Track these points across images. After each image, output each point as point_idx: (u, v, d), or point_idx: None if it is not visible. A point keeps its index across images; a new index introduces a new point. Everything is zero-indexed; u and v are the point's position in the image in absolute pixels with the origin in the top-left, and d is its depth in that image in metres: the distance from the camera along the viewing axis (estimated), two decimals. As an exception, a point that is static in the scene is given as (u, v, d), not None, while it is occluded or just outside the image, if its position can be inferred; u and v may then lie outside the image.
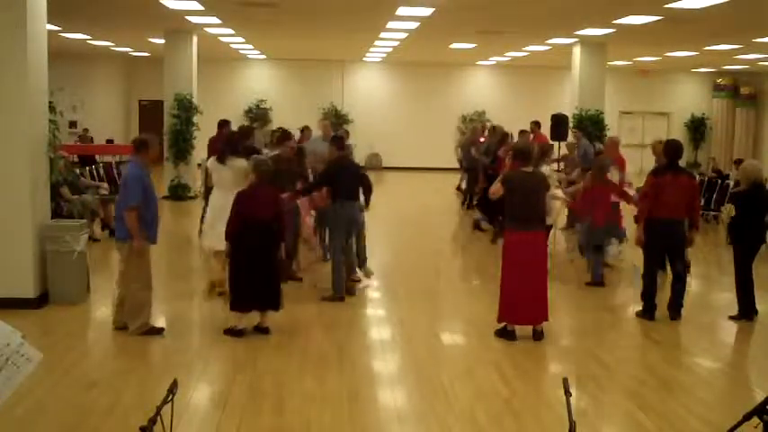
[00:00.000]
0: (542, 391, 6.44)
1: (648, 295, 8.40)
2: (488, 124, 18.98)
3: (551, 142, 14.19)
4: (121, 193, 7.34)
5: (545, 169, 10.42)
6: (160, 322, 8.15)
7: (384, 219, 14.65)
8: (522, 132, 13.74)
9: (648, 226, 8.29)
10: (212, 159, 8.96)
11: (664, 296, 8.55)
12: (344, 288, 8.89)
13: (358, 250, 9.48)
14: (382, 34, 16.13)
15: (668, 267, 8.64)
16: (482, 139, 15.77)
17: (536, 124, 16.06)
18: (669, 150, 8.42)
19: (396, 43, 18.17)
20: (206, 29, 15.95)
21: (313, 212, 10.05)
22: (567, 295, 9.54)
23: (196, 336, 7.71)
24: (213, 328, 7.71)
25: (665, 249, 8.45)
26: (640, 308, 8.46)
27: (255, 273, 7.25)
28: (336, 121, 23.74)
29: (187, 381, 6.09)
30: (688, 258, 9.26)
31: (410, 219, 15.49)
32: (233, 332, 7.38)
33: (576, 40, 16.56)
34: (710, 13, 10.85)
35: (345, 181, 8.84)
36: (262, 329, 7.46)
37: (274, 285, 7.44)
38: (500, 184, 7.47)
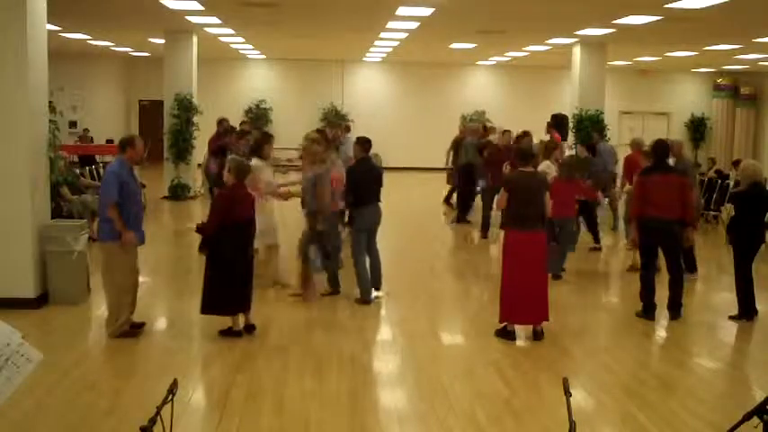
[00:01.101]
0: (542, 391, 6.44)
1: (646, 295, 8.39)
2: (474, 125, 18.81)
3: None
4: (100, 191, 7.30)
5: (546, 165, 10.50)
6: (160, 322, 8.17)
7: (384, 219, 14.64)
8: (504, 132, 13.97)
9: (640, 225, 8.31)
10: (256, 159, 9.05)
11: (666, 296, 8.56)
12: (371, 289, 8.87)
13: (373, 261, 9.10)
14: (382, 34, 16.13)
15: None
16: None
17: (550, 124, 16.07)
18: (656, 150, 8.43)
19: (396, 43, 18.17)
20: (206, 29, 15.95)
21: None
22: (567, 295, 9.54)
23: (196, 336, 7.70)
24: (213, 329, 7.71)
25: (659, 248, 8.43)
26: (640, 308, 8.46)
27: (234, 274, 7.20)
28: (337, 122, 23.76)
29: (187, 381, 6.10)
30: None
31: (410, 219, 15.49)
32: (230, 333, 7.35)
33: (576, 40, 16.55)
34: (710, 13, 10.84)
35: (369, 183, 8.79)
36: (248, 327, 7.46)
37: (249, 287, 7.44)
38: (503, 190, 7.51)
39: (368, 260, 8.95)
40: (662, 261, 8.84)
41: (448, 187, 16.86)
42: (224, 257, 7.18)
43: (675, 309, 8.37)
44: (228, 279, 7.18)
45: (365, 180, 8.74)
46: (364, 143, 8.92)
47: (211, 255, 7.30)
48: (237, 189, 7.38)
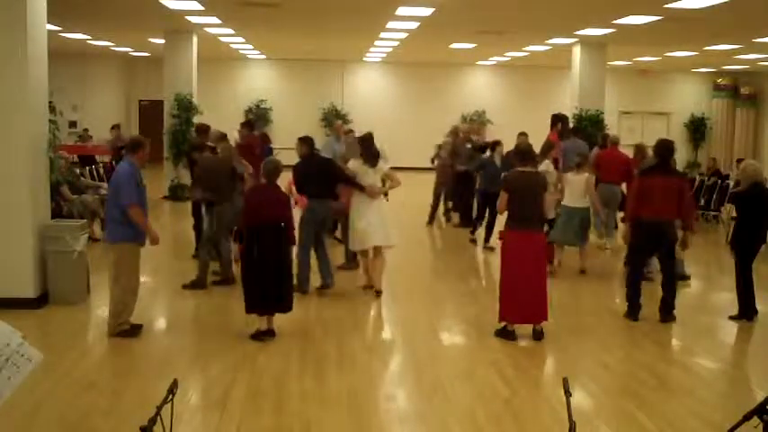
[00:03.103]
0: (542, 391, 6.44)
1: (631, 296, 8.36)
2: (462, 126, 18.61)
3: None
4: (112, 193, 7.25)
5: (545, 164, 10.52)
6: (159, 322, 8.17)
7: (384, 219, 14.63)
8: (521, 135, 13.76)
9: (635, 226, 8.28)
10: (355, 162, 9.13)
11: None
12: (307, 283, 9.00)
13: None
14: (382, 34, 16.13)
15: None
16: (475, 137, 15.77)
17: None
18: (660, 150, 8.37)
19: (396, 43, 18.17)
20: (206, 29, 15.95)
21: None
22: (567, 295, 9.53)
23: (196, 335, 7.70)
24: (213, 328, 7.72)
25: (652, 250, 8.40)
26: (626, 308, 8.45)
27: (267, 274, 7.16)
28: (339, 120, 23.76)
29: (187, 381, 6.09)
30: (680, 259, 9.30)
31: (410, 219, 15.47)
32: (260, 335, 7.25)
33: (575, 40, 16.55)
34: (710, 13, 10.84)
35: (314, 178, 8.95)
36: (266, 331, 7.39)
37: (286, 287, 7.35)
38: (502, 192, 7.51)
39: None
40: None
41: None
42: (251, 257, 7.18)
43: (666, 311, 8.31)
44: (256, 279, 7.15)
45: (310, 175, 8.90)
46: (307, 140, 9.12)
47: (245, 254, 7.30)
48: (266, 190, 7.37)
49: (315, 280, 9.37)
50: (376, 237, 8.98)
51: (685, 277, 10.20)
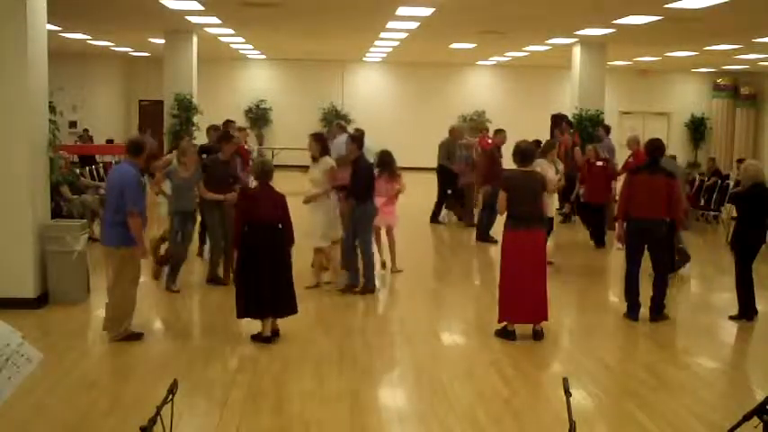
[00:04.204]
0: (542, 391, 6.44)
1: (629, 295, 8.35)
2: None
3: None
4: (114, 197, 7.08)
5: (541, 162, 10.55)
6: (158, 322, 8.17)
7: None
8: (497, 132, 13.79)
9: (626, 225, 8.29)
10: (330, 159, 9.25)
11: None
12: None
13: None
14: (382, 34, 16.14)
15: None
16: (489, 140, 15.75)
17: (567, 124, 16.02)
18: (649, 149, 8.38)
19: (396, 43, 18.18)
20: (206, 29, 15.96)
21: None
22: (567, 295, 9.53)
23: (196, 336, 7.71)
24: (213, 328, 7.71)
25: (644, 248, 8.40)
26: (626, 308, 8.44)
27: (263, 276, 7.02)
28: (335, 120, 23.77)
29: (187, 381, 6.08)
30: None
31: (410, 219, 15.46)
32: (261, 338, 7.18)
33: (575, 40, 16.56)
34: (710, 13, 10.85)
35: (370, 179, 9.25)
36: (272, 333, 7.30)
37: (285, 289, 7.20)
38: (501, 191, 7.50)
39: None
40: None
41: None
42: (243, 259, 7.10)
43: (655, 310, 8.29)
44: (250, 281, 7.03)
45: (369, 179, 9.14)
46: (357, 140, 9.26)
47: (239, 256, 7.18)
48: (261, 190, 7.32)
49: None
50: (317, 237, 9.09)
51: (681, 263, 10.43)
